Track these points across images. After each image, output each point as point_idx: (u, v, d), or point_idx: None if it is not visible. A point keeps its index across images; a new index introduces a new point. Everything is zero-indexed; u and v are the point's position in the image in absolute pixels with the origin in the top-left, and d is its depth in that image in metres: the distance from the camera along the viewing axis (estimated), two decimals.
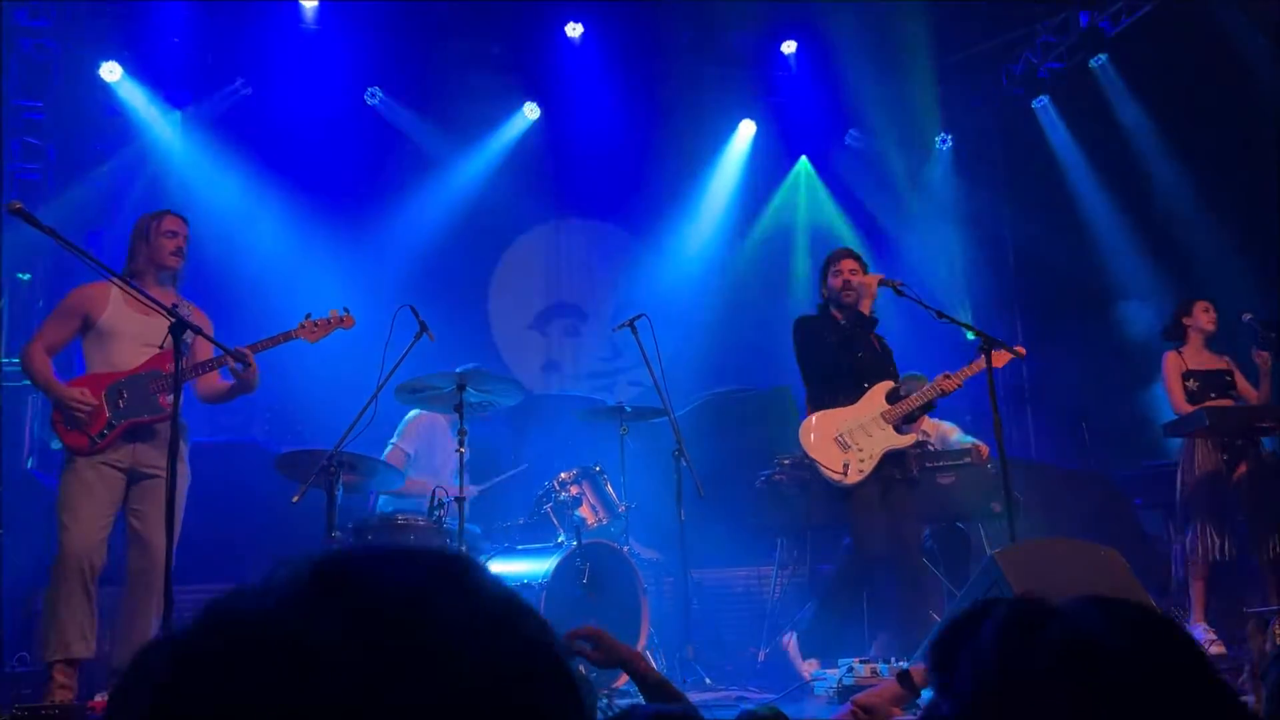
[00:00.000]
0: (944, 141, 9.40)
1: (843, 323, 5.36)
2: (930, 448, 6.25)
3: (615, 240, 9.30)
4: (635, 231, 9.27)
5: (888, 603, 5.14)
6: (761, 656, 5.82)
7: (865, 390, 5.30)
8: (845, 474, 5.08)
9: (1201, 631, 5.64)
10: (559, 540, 5.31)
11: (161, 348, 4.38)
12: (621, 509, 5.55)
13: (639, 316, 5.58)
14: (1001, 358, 5.03)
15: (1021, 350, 5.10)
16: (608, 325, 9.11)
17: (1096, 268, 8.50)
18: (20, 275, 6.94)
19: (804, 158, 9.42)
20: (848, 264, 5.43)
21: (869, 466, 5.11)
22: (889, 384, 5.33)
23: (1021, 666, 0.91)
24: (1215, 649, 5.50)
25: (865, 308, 5.32)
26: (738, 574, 6.74)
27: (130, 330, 4.47)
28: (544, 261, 9.17)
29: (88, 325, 4.49)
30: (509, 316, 9.04)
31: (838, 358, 5.31)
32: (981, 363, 4.98)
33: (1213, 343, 6.26)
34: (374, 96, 8.28)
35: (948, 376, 5.24)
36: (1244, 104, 7.40)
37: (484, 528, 5.68)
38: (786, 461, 6.15)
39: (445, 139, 8.55)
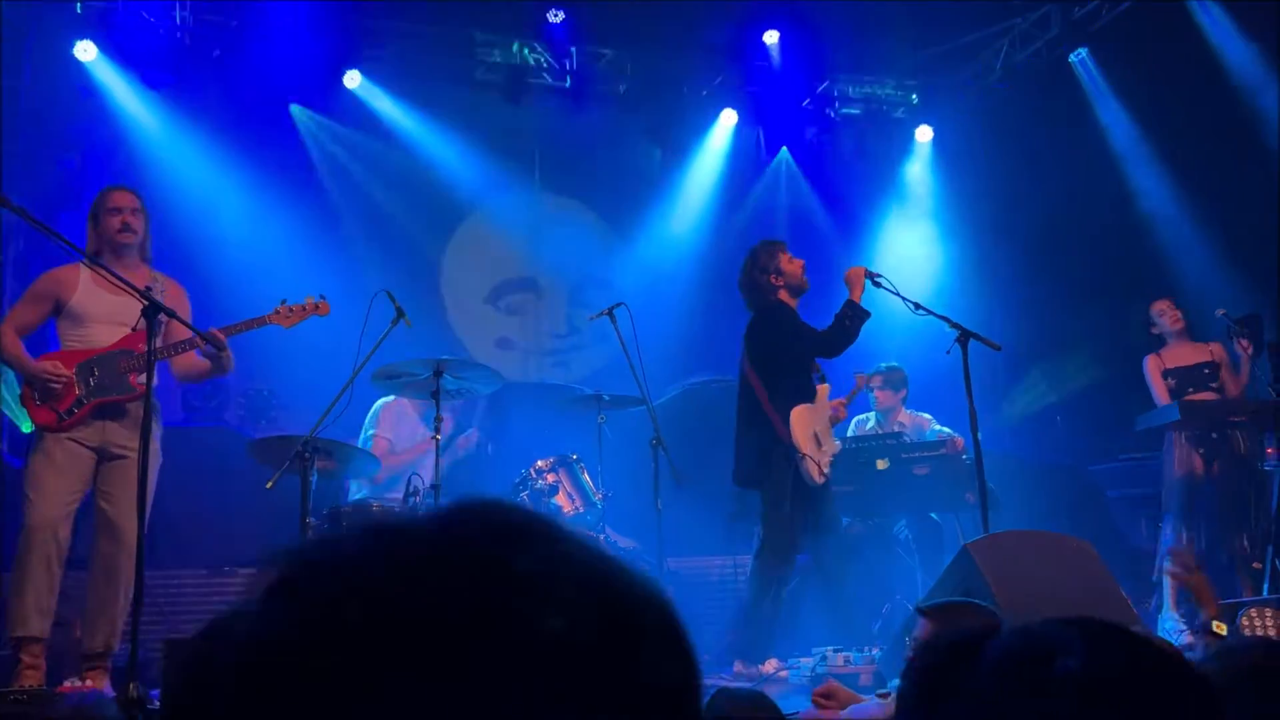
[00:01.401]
0: (924, 133, 9.41)
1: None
2: (906, 439, 6.27)
3: (584, 220, 9.22)
4: (605, 213, 9.22)
5: (825, 602, 5.10)
6: None
7: (817, 390, 5.21)
8: (818, 475, 5.00)
9: (1174, 621, 5.71)
10: None
11: (135, 329, 4.31)
12: (598, 497, 5.53)
13: (618, 305, 5.53)
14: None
15: (998, 345, 5.11)
16: (565, 303, 9.08)
17: (1076, 262, 8.54)
18: None
19: (784, 149, 9.40)
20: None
21: (827, 470, 5.07)
22: (827, 387, 5.26)
23: (1029, 705, 0.88)
24: (1187, 638, 5.56)
25: (855, 298, 5.19)
26: (714, 563, 6.74)
27: (102, 310, 4.41)
28: (502, 236, 8.95)
29: (59, 308, 4.44)
30: (463, 290, 8.90)
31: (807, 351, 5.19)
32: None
33: (1194, 335, 6.29)
34: (353, 80, 8.19)
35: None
36: (1223, 100, 7.44)
37: None
38: None
39: (427, 123, 8.49)
